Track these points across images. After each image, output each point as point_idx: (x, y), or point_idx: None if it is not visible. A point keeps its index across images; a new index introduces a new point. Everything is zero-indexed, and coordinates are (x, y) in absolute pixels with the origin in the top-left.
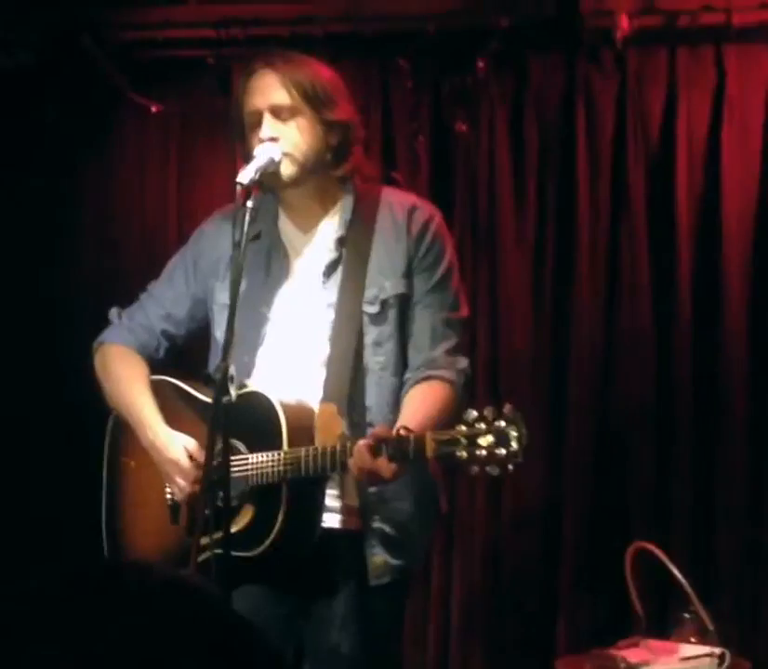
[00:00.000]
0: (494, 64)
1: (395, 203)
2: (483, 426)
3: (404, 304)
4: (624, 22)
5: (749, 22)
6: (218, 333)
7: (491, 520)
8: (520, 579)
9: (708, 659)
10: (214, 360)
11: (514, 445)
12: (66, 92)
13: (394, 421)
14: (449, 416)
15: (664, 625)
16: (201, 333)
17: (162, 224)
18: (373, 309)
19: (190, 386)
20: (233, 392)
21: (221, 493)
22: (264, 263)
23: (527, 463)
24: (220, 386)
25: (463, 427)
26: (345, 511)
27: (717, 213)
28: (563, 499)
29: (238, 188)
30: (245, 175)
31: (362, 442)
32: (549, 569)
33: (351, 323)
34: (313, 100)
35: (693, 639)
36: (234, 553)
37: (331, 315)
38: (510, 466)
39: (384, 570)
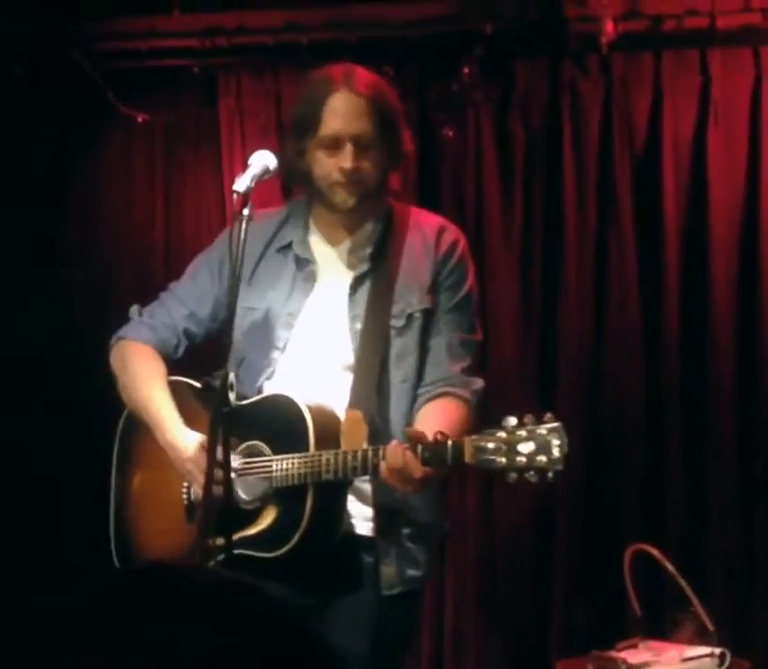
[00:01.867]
0: (479, 70)
1: (424, 222)
2: (523, 433)
3: (428, 319)
4: (609, 27)
5: (733, 26)
6: (239, 335)
7: (484, 523)
8: (514, 581)
9: (708, 659)
10: (232, 363)
11: (556, 453)
12: (53, 102)
13: None
14: (463, 435)
15: (661, 626)
16: (219, 333)
17: (149, 232)
18: (399, 323)
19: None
20: (233, 399)
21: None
22: (292, 272)
23: None
24: (220, 393)
25: (503, 434)
26: (361, 517)
27: (704, 215)
28: (556, 501)
29: (235, 196)
30: (242, 183)
31: (396, 442)
32: (544, 571)
33: (378, 335)
34: (391, 133)
35: (692, 640)
36: (255, 554)
37: (357, 326)
38: (551, 474)
39: (396, 581)
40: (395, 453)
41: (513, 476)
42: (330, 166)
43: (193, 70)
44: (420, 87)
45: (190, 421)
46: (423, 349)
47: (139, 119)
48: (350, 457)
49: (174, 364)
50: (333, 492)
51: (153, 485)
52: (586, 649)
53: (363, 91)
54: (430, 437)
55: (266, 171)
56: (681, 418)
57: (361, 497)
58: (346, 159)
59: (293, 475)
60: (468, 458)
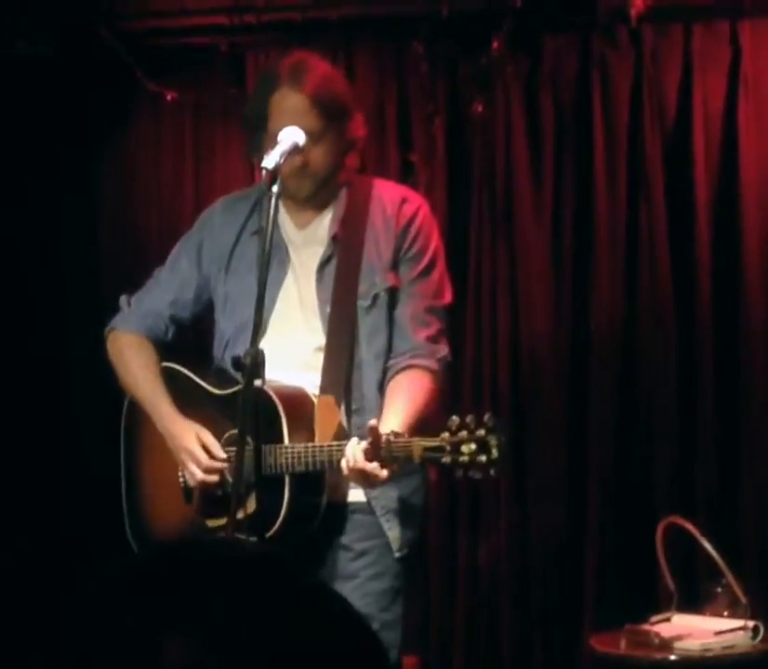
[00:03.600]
0: (508, 44)
1: (386, 197)
2: (465, 433)
3: (394, 295)
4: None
5: None
6: (222, 320)
7: (517, 498)
8: (547, 555)
9: (741, 632)
10: (218, 346)
11: (495, 453)
12: (82, 81)
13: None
14: (433, 405)
15: (694, 600)
16: (208, 315)
17: (179, 209)
18: (366, 303)
19: (196, 373)
20: (263, 376)
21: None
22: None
23: (552, 442)
24: (251, 371)
25: (447, 435)
26: (335, 487)
27: (735, 188)
28: (588, 476)
29: (263, 172)
30: (270, 159)
31: (355, 445)
32: (577, 544)
33: (346, 316)
34: (338, 120)
35: (726, 613)
36: (242, 537)
37: (326, 309)
38: (492, 472)
39: (401, 543)
40: (356, 458)
41: (459, 473)
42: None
43: (221, 48)
44: (450, 63)
45: (182, 406)
46: (391, 323)
47: (168, 97)
48: (317, 451)
49: (168, 345)
50: (311, 479)
51: (156, 467)
52: (619, 622)
53: (306, 88)
54: (384, 437)
55: (295, 147)
56: (714, 390)
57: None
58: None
59: (270, 465)
60: (416, 458)
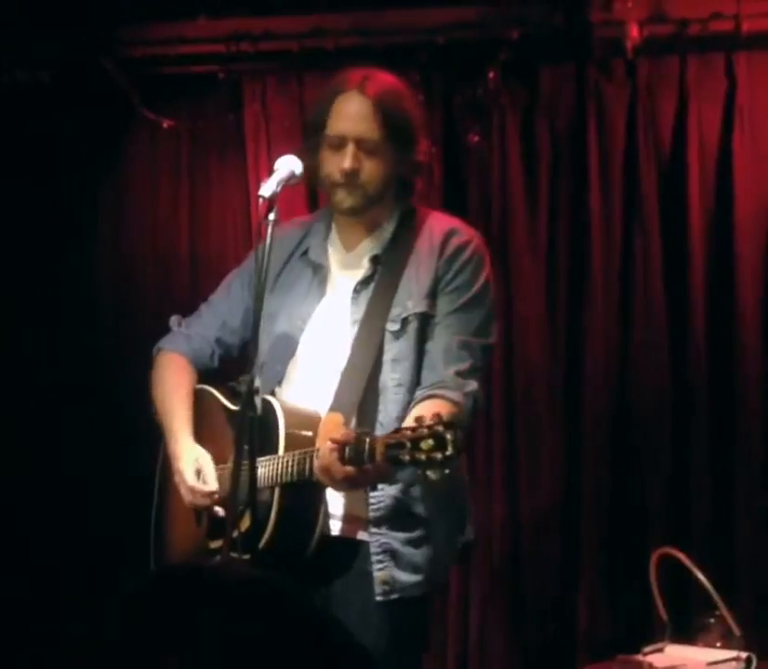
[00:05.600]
0: (504, 75)
1: (436, 226)
2: (424, 430)
3: (425, 323)
4: (634, 31)
5: (759, 29)
6: (263, 342)
7: (510, 526)
8: (540, 585)
9: (734, 663)
10: (257, 368)
11: (450, 449)
12: (79, 108)
13: None
14: None
15: (687, 630)
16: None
17: (174, 238)
18: (394, 327)
19: (225, 394)
20: (255, 406)
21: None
22: (309, 277)
23: (546, 471)
24: (246, 398)
25: (408, 431)
26: (349, 519)
27: (730, 219)
28: (582, 505)
29: (261, 201)
30: (267, 188)
31: (329, 443)
32: (570, 574)
33: (372, 339)
34: (399, 139)
35: (718, 644)
36: (235, 556)
37: (356, 330)
38: (446, 471)
39: (392, 587)
40: (324, 454)
41: (418, 472)
42: (332, 166)
43: (219, 75)
44: (446, 93)
45: (204, 431)
46: (420, 353)
47: (165, 125)
48: (305, 458)
49: (213, 372)
50: (303, 494)
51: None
52: (612, 653)
53: (373, 94)
54: (353, 436)
55: (292, 176)
56: (708, 422)
57: (347, 497)
58: (345, 160)
59: (260, 477)
60: (378, 456)
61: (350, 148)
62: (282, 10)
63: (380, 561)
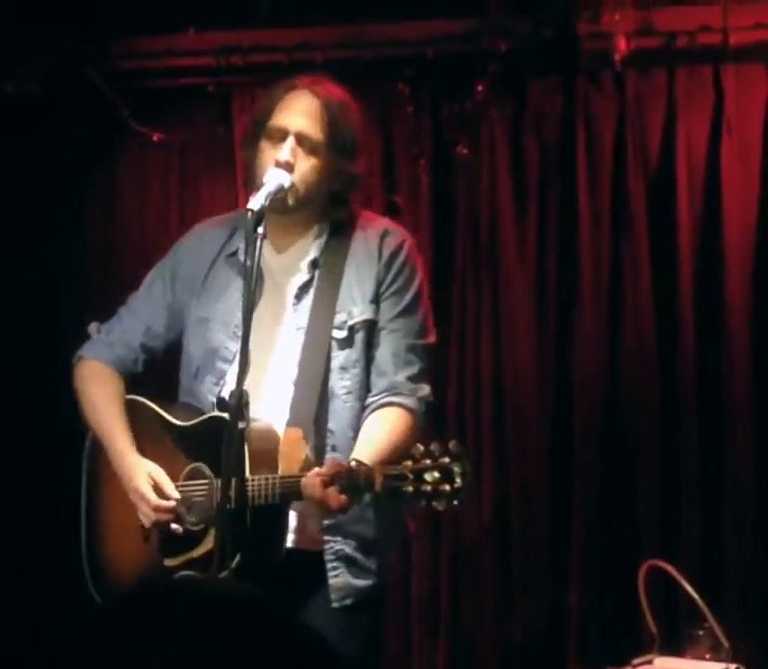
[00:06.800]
0: (493, 88)
1: (369, 227)
2: (428, 461)
3: (371, 329)
4: (622, 44)
5: (746, 42)
6: (191, 346)
7: (500, 538)
8: (530, 597)
9: None
10: (187, 372)
11: (459, 481)
12: (70, 121)
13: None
14: (409, 444)
15: (676, 642)
16: (179, 344)
17: (164, 250)
18: (341, 334)
19: (161, 405)
20: (248, 417)
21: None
22: (239, 281)
23: (535, 483)
24: (235, 412)
25: (410, 463)
26: (302, 531)
27: (718, 231)
28: (571, 517)
29: (249, 214)
30: (256, 201)
31: (314, 474)
32: (559, 587)
33: (320, 347)
34: (340, 146)
35: (707, 656)
36: (200, 575)
37: (301, 338)
38: (456, 502)
39: (347, 592)
40: (314, 487)
41: (422, 503)
42: (268, 157)
43: (208, 88)
44: (435, 105)
45: (143, 443)
46: (368, 360)
47: (155, 137)
48: (278, 483)
49: (137, 377)
50: (272, 513)
51: (116, 505)
52: (601, 665)
53: (323, 96)
54: (346, 465)
55: (280, 189)
56: (698, 433)
57: (300, 511)
58: (284, 151)
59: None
60: (377, 486)
61: (290, 141)
62: (270, 23)
63: (335, 568)
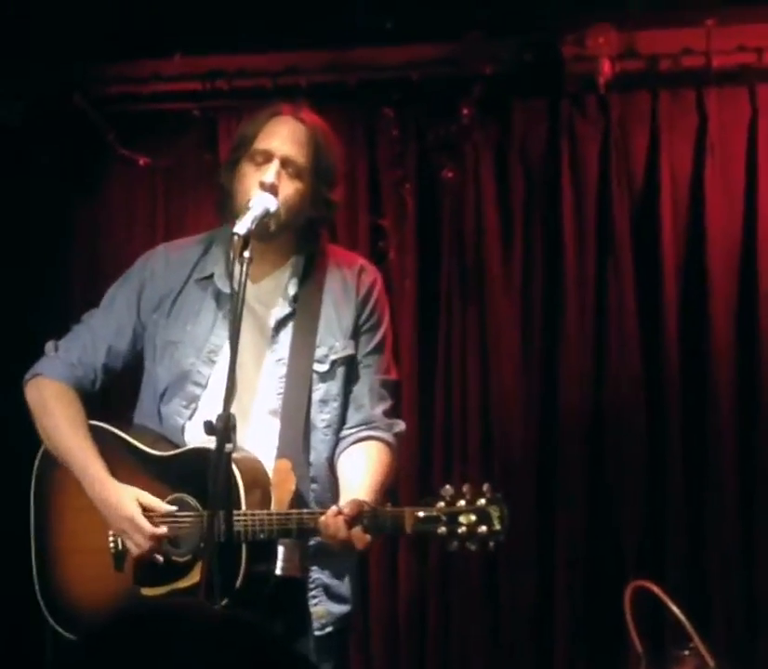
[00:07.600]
0: (478, 111)
1: (343, 262)
2: (463, 503)
3: (352, 364)
4: (606, 67)
5: (729, 65)
6: (158, 368)
7: (486, 561)
8: (517, 618)
9: None
10: (151, 395)
11: (497, 524)
12: (54, 146)
13: (332, 477)
14: (393, 479)
15: (662, 663)
16: (137, 366)
17: None
18: (322, 368)
19: (126, 432)
20: (235, 441)
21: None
22: (213, 305)
23: (521, 505)
24: (222, 436)
25: (442, 505)
26: (290, 559)
27: (702, 254)
28: (556, 537)
29: (235, 238)
30: (242, 225)
31: (333, 513)
32: (545, 607)
33: (302, 380)
34: (323, 174)
35: None
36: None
37: (281, 370)
38: (491, 544)
39: (328, 620)
40: (336, 526)
41: (454, 544)
42: (251, 180)
43: (194, 113)
44: (420, 128)
45: (115, 469)
46: (347, 394)
47: (141, 162)
48: (284, 519)
49: (91, 397)
50: (265, 547)
51: (76, 530)
52: None
53: (307, 121)
54: (369, 506)
55: (266, 213)
56: (682, 456)
57: (293, 544)
58: (269, 173)
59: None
60: (408, 528)
61: (275, 164)
62: (256, 48)
63: (315, 597)
